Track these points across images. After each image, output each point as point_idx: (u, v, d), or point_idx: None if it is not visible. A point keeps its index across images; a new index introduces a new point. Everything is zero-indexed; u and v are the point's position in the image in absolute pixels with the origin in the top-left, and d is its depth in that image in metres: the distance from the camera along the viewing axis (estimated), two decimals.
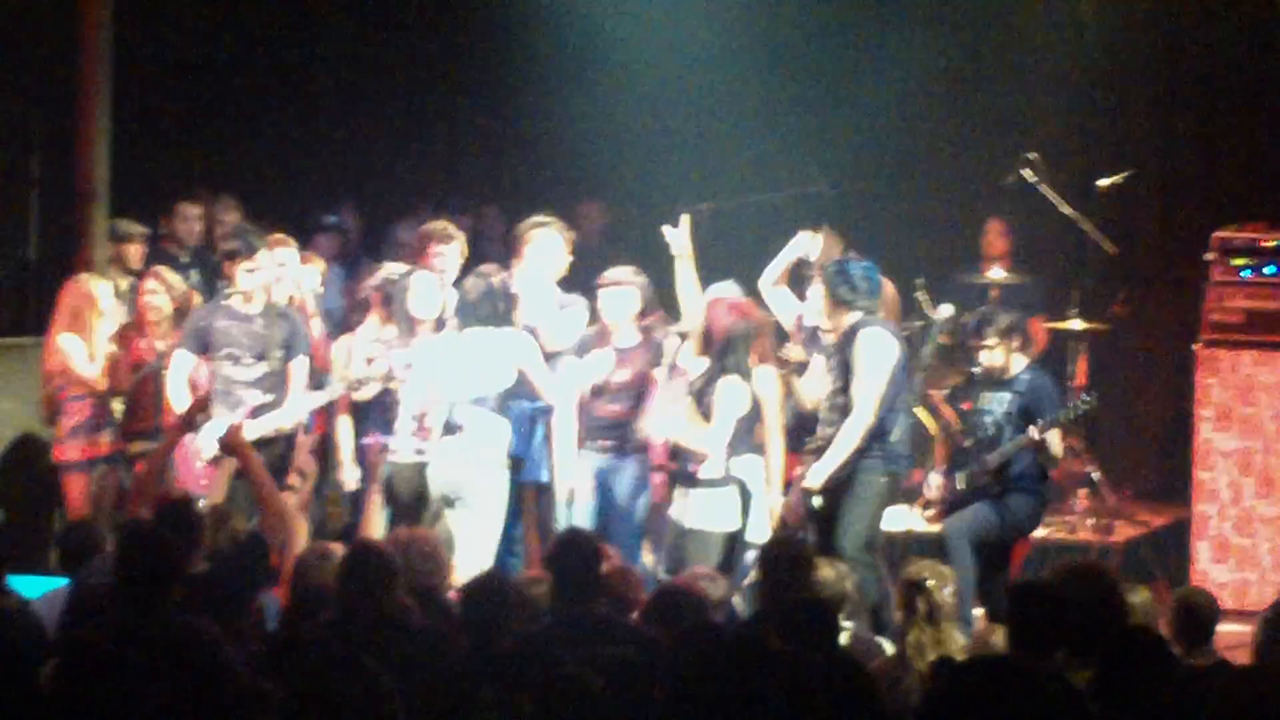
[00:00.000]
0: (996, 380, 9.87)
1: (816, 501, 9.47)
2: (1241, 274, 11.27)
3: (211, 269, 11.35)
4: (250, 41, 13.62)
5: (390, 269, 10.60)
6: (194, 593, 6.84)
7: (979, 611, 9.54)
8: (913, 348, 10.00)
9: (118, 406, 10.63)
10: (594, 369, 10.03)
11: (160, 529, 7.22)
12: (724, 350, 9.53)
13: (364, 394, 10.19)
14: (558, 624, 7.08)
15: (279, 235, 10.69)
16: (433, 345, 10.08)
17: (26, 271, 12.49)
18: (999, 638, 7.11)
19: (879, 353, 9.46)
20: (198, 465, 9.87)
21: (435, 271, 10.49)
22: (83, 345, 10.49)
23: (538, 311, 10.30)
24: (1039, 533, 10.43)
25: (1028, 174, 12.14)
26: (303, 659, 6.37)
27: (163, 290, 10.79)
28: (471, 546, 9.64)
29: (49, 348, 10.58)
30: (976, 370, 10.05)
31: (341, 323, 11.10)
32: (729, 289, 9.91)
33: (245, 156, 13.37)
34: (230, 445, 8.49)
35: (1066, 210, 12.09)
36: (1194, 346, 11.31)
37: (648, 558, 10.02)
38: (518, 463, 10.04)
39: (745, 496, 9.59)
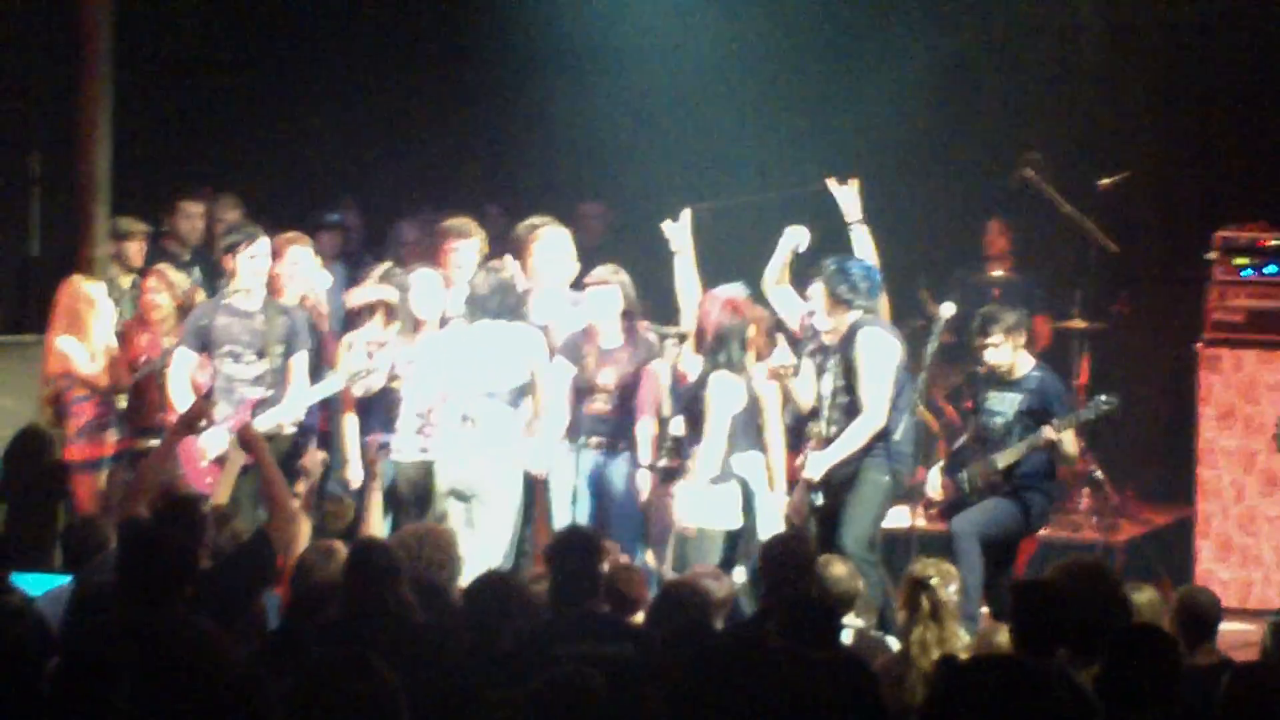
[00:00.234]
0: (1004, 380, 9.84)
1: (817, 497, 9.48)
2: (1243, 273, 11.28)
3: (213, 266, 11.34)
4: (251, 39, 13.62)
5: (384, 273, 10.62)
6: (197, 592, 6.82)
7: (985, 610, 9.53)
8: (915, 346, 9.98)
9: (123, 404, 10.63)
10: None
11: (162, 527, 7.21)
12: (716, 347, 9.51)
13: (372, 382, 10.14)
14: (556, 622, 7.07)
15: (293, 234, 10.68)
16: (439, 338, 10.06)
17: (28, 269, 12.48)
18: (1002, 636, 7.10)
19: (881, 353, 9.47)
20: (202, 464, 9.86)
21: (451, 268, 10.48)
22: (82, 346, 10.49)
23: (550, 310, 10.30)
24: (1042, 531, 10.41)
25: (1029, 173, 12.14)
26: (306, 657, 6.36)
27: (164, 289, 10.80)
28: (487, 542, 9.60)
29: (48, 351, 10.57)
30: (979, 369, 10.03)
31: (344, 321, 11.08)
32: (735, 290, 9.88)
33: (246, 154, 13.37)
34: (245, 441, 8.47)
35: (1068, 209, 12.10)
36: (1196, 345, 11.31)
37: (648, 558, 10.00)
38: None
39: (747, 494, 9.59)
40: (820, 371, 9.75)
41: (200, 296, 10.93)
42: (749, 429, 9.64)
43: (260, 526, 7.54)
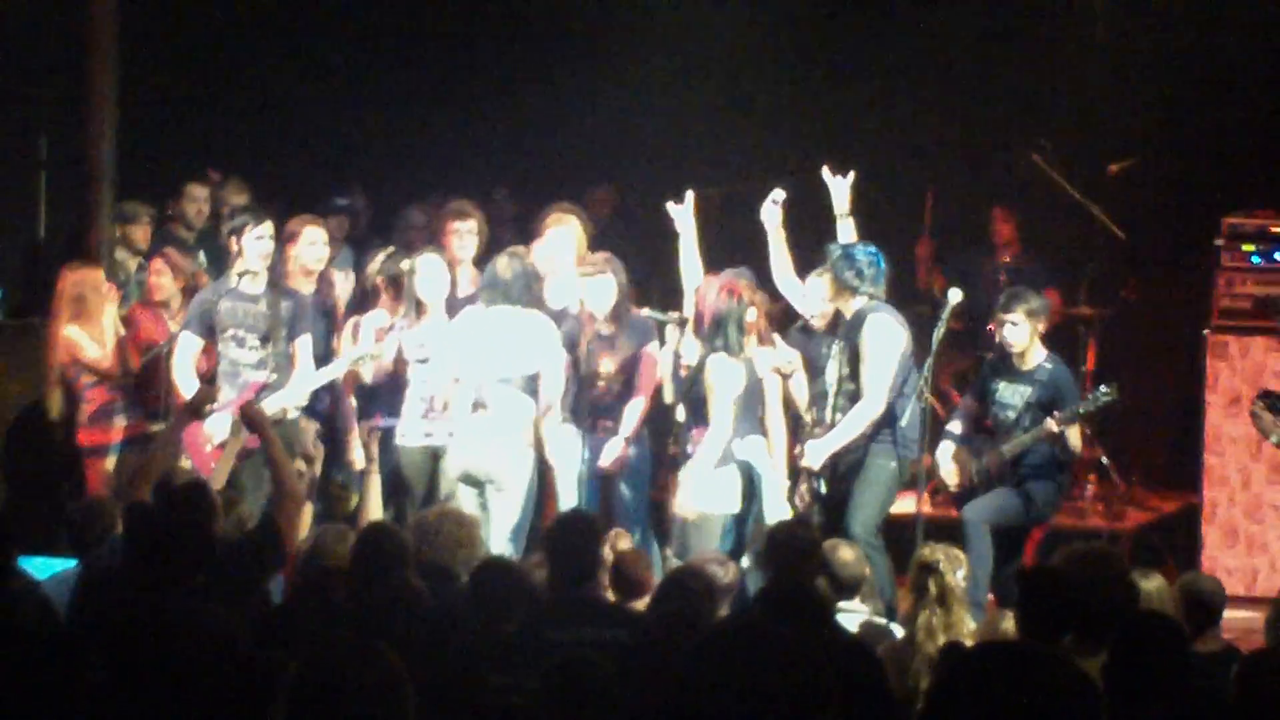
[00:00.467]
0: (1015, 370, 9.83)
1: (822, 485, 9.47)
2: (1251, 260, 11.27)
3: (218, 250, 11.34)
4: (259, 22, 13.60)
5: (388, 257, 10.61)
6: (206, 577, 6.83)
7: (990, 598, 9.53)
8: (922, 333, 9.97)
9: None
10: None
11: (173, 511, 7.21)
12: (714, 331, 9.50)
13: (383, 364, 10.14)
14: (553, 606, 7.07)
15: (308, 215, 10.71)
16: (455, 323, 10.03)
17: (35, 252, 12.49)
18: (1009, 623, 7.09)
19: (886, 339, 9.46)
20: (207, 449, 9.85)
21: (452, 251, 10.48)
22: (89, 333, 10.48)
23: (566, 296, 10.29)
24: None
25: (1037, 159, 12.13)
26: (311, 642, 6.35)
27: (167, 271, 10.81)
28: (499, 528, 9.60)
29: (55, 340, 10.56)
30: (987, 355, 10.01)
31: (350, 304, 11.08)
32: (735, 274, 9.87)
33: (253, 138, 13.36)
34: (250, 422, 8.46)
35: (1076, 196, 12.08)
36: (1204, 332, 11.30)
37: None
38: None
39: (752, 479, 9.58)
40: (824, 359, 9.74)
41: (205, 280, 10.93)
42: (750, 413, 9.63)
43: (267, 511, 7.55)
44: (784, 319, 10.25)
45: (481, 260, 10.76)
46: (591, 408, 10.05)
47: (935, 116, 13.17)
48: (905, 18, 13.06)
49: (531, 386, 9.83)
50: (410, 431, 10.10)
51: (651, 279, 11.57)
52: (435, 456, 10.04)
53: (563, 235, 10.51)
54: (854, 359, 9.49)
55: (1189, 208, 12.49)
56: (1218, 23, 12.63)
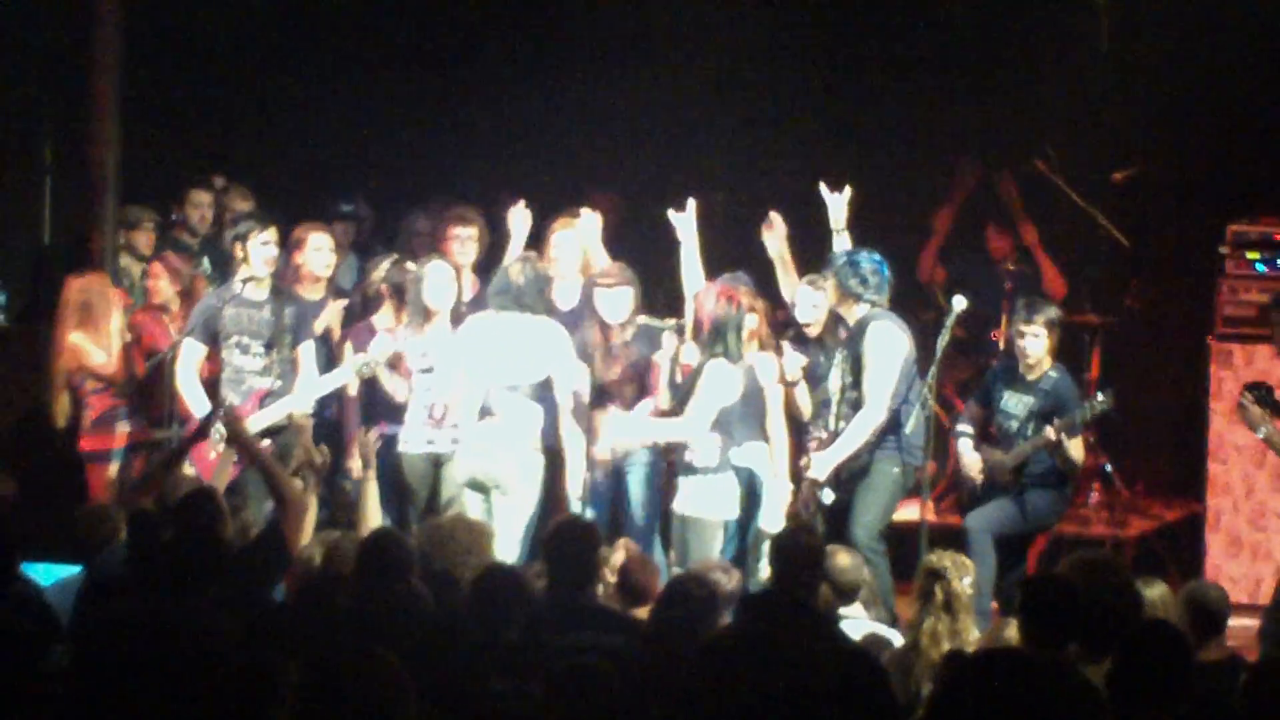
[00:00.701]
0: (1021, 379, 9.84)
1: (827, 495, 9.47)
2: (1256, 267, 11.26)
3: (223, 256, 11.34)
4: (262, 28, 13.61)
5: (393, 263, 10.60)
6: (213, 584, 6.83)
7: (993, 606, 9.53)
8: (926, 340, 9.98)
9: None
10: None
11: (181, 519, 7.22)
12: (713, 338, 9.50)
13: (392, 371, 10.14)
14: (551, 611, 7.07)
15: (314, 223, 10.71)
16: (469, 328, 10.00)
17: (40, 257, 12.50)
18: (1012, 632, 7.09)
19: (889, 346, 9.47)
20: (210, 455, 9.86)
21: (453, 256, 10.47)
22: (95, 340, 10.48)
23: (570, 300, 10.29)
24: None
25: (1042, 167, 12.13)
26: (316, 646, 6.36)
27: (164, 274, 10.81)
28: (505, 534, 9.59)
29: (59, 347, 10.56)
30: (991, 363, 10.01)
31: (355, 311, 11.08)
32: (734, 280, 9.89)
33: (257, 144, 13.37)
34: (231, 433, 8.47)
35: (1080, 203, 12.08)
36: (1208, 339, 11.29)
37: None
38: (549, 453, 10.00)
39: (752, 485, 9.58)
40: (823, 368, 9.74)
41: (203, 286, 10.93)
42: (752, 420, 9.62)
43: (272, 519, 7.55)
44: (781, 327, 10.24)
45: (481, 267, 10.76)
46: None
47: (939, 122, 13.15)
48: (909, 26, 13.05)
49: (540, 394, 9.82)
50: (413, 438, 10.09)
51: (655, 286, 11.57)
52: (437, 463, 10.04)
53: (568, 240, 10.50)
54: (857, 367, 9.50)
55: (1193, 215, 12.49)
56: (1222, 30, 12.62)
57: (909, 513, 10.05)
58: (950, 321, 9.74)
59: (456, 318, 10.15)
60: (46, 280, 11.72)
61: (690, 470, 9.47)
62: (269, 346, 10.06)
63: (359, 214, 12.54)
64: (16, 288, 12.30)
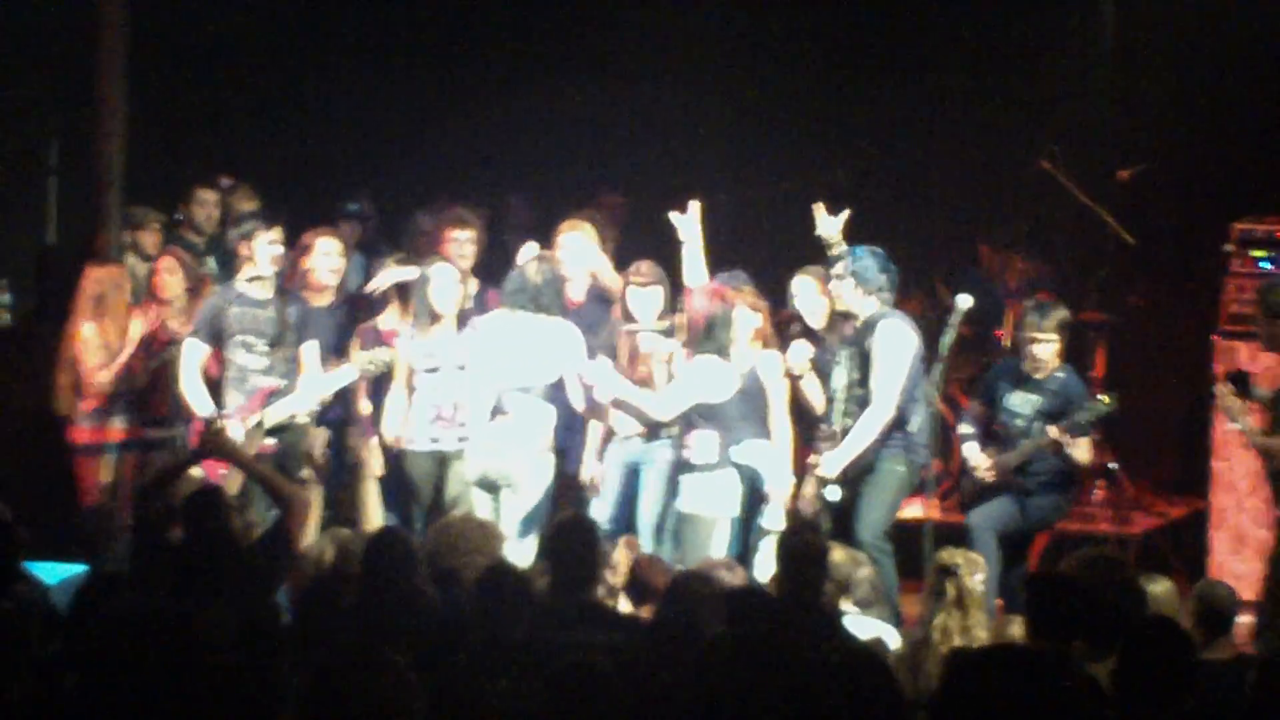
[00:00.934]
0: (1028, 379, 9.85)
1: (832, 493, 9.47)
2: (1261, 265, 11.24)
3: (228, 256, 11.35)
4: (268, 28, 13.62)
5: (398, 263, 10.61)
6: (217, 584, 6.84)
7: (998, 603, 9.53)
8: (931, 338, 9.98)
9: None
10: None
11: (188, 520, 7.23)
12: (705, 335, 9.51)
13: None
14: (552, 609, 7.07)
15: (322, 227, 10.72)
16: (483, 327, 9.99)
17: (45, 257, 12.51)
18: (1016, 628, 7.10)
19: (899, 344, 9.48)
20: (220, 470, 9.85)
21: (452, 259, 10.46)
22: (102, 333, 10.48)
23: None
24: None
25: (1047, 166, 12.12)
26: (320, 647, 6.37)
27: (179, 270, 10.78)
28: (513, 529, 9.58)
29: (70, 336, 10.56)
30: (995, 361, 10.01)
31: (360, 310, 11.08)
32: (736, 278, 9.89)
33: (263, 144, 13.38)
34: (222, 452, 8.45)
35: (1086, 202, 12.08)
36: (1212, 337, 11.28)
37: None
38: (560, 453, 10.00)
39: (753, 483, 9.58)
40: (828, 365, 9.75)
41: (209, 284, 10.93)
42: (754, 418, 9.62)
43: (277, 518, 7.56)
44: (787, 324, 10.24)
45: (479, 269, 10.75)
46: (625, 413, 9.99)
47: (945, 121, 13.16)
48: (912, 25, 13.05)
49: (552, 394, 9.82)
50: (417, 437, 10.09)
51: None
52: (443, 461, 10.04)
53: (578, 241, 10.50)
54: (865, 364, 9.50)
55: (1198, 213, 12.48)
56: (1227, 28, 12.62)
57: (914, 510, 10.06)
58: (955, 320, 9.74)
59: (462, 319, 10.15)
60: (52, 280, 11.72)
61: (690, 468, 9.49)
62: (273, 345, 10.06)
63: (364, 213, 12.54)
64: (22, 287, 12.30)
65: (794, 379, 9.86)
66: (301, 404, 9.99)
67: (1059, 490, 9.87)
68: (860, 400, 9.51)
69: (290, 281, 10.41)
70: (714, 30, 13.32)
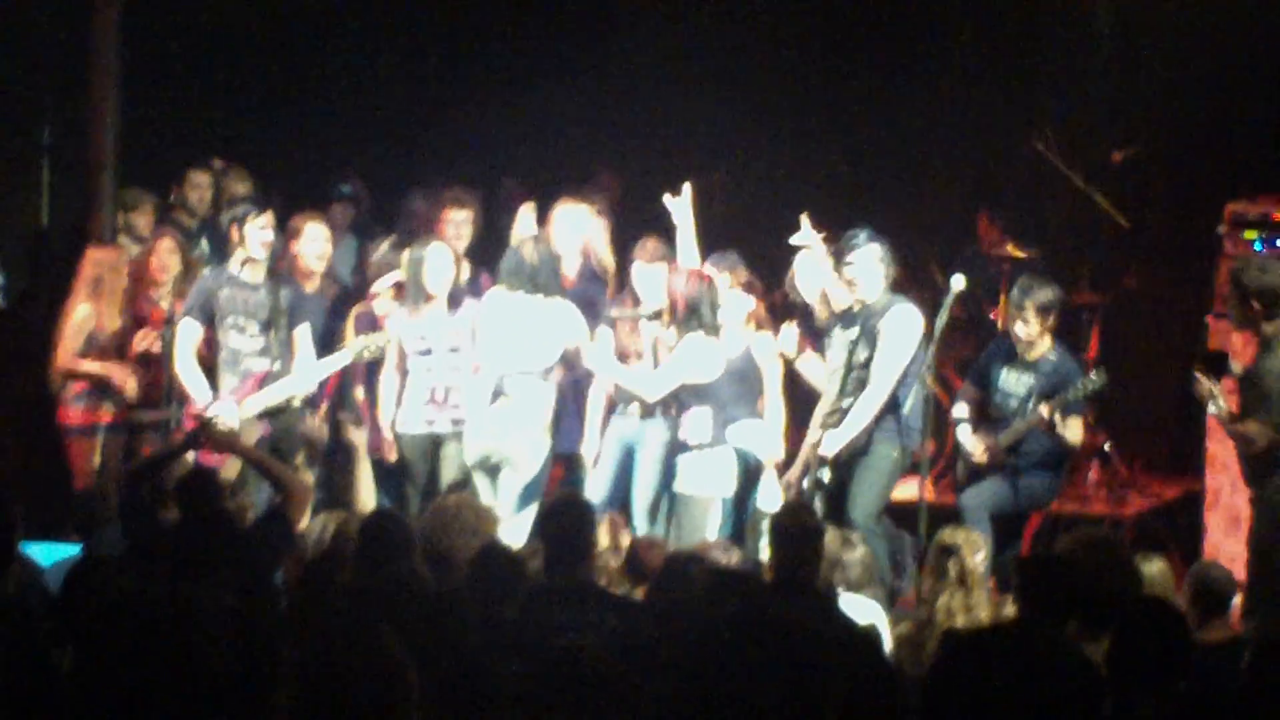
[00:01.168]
0: (1020, 359, 9.85)
1: (825, 474, 9.48)
2: (1254, 246, 11.23)
3: (221, 238, 11.34)
4: (262, 9, 13.60)
5: (392, 244, 10.60)
6: (215, 567, 6.84)
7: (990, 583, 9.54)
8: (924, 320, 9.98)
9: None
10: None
11: (183, 503, 7.22)
12: (688, 316, 9.51)
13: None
14: (545, 590, 7.07)
15: (311, 212, 10.70)
16: (482, 308, 9.98)
17: (38, 240, 12.49)
18: (1010, 609, 7.10)
19: (909, 331, 9.52)
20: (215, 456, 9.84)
21: (446, 239, 10.45)
22: (98, 313, 10.45)
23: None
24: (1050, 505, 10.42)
25: (1040, 146, 12.12)
26: (315, 629, 6.36)
27: (179, 250, 10.76)
28: (510, 508, 9.58)
29: (65, 316, 10.54)
30: (990, 342, 10.01)
31: (352, 293, 11.07)
32: (728, 259, 9.89)
33: (256, 125, 13.36)
34: (217, 443, 8.44)
35: (1079, 183, 12.08)
36: (1206, 319, 11.28)
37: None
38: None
39: (748, 464, 9.58)
40: (827, 346, 9.75)
41: (200, 268, 10.92)
42: (747, 398, 9.63)
43: (276, 501, 7.55)
44: (782, 305, 10.24)
45: (473, 252, 10.74)
46: (624, 390, 9.98)
47: (939, 104, 13.15)
48: (907, 8, 13.05)
49: (549, 375, 9.83)
50: (411, 419, 10.08)
51: None
52: (437, 442, 10.04)
53: (570, 217, 10.49)
54: (873, 345, 9.50)
55: (1192, 195, 12.48)
56: (1221, 10, 12.61)
57: (908, 491, 10.06)
58: (949, 301, 9.74)
59: (453, 299, 10.13)
60: (45, 262, 11.70)
61: (684, 448, 9.50)
62: (265, 328, 10.05)
63: (357, 195, 12.53)
64: (14, 270, 12.28)
65: (789, 361, 9.87)
66: (297, 387, 9.99)
67: (1050, 470, 9.88)
68: (861, 381, 9.53)
69: (283, 264, 10.40)
70: (712, 9, 13.31)
